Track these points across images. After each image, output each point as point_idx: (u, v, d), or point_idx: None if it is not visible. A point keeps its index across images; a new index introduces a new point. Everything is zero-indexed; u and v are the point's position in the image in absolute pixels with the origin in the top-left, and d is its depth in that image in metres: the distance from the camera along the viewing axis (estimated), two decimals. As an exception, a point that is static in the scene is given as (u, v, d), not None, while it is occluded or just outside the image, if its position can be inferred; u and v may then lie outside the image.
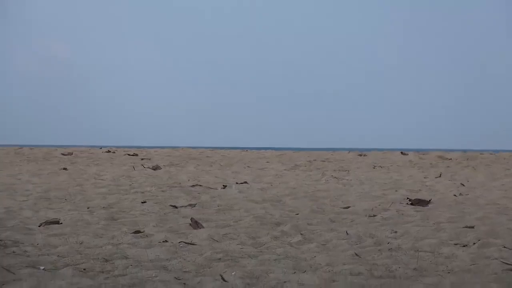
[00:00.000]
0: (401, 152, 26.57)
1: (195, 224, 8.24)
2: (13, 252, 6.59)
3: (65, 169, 17.26)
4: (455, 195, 12.16)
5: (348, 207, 10.35)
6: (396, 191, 12.78)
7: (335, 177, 15.83)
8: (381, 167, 19.74)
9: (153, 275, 5.77)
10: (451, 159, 23.39)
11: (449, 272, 6.07)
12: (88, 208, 9.84)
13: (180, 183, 13.82)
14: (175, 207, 10.03)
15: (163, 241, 7.28)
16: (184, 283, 5.52)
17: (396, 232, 8.11)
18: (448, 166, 20.24)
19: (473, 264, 6.39)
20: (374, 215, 9.48)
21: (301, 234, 7.85)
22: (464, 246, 7.26)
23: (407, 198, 11.28)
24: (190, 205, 10.19)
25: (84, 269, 5.94)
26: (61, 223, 8.36)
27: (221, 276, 5.53)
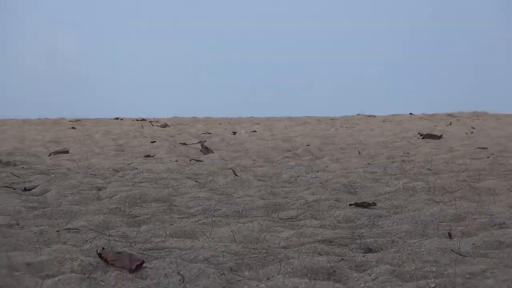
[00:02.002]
0: (410, 113, 26.49)
1: (206, 150, 8.17)
2: (23, 167, 6.53)
3: (73, 128, 17.20)
4: (466, 133, 12.06)
5: (360, 141, 10.26)
6: (406, 132, 12.68)
7: (345, 127, 15.74)
8: (390, 121, 19.63)
9: (165, 176, 5.71)
10: (460, 116, 23.26)
11: (464, 172, 5.99)
12: (98, 146, 9.78)
13: (189, 133, 13.75)
14: (185, 144, 9.96)
15: (174, 161, 7.22)
16: (196, 180, 5.45)
17: (408, 153, 8.03)
18: (458, 119, 20.12)
19: (488, 165, 6.31)
20: (386, 146, 9.40)
21: (312, 155, 7.78)
22: (478, 159, 7.17)
23: (418, 133, 11.18)
24: (200, 142, 10.12)
25: (95, 175, 5.88)
26: (71, 153, 8.30)
27: (233, 171, 5.45)
